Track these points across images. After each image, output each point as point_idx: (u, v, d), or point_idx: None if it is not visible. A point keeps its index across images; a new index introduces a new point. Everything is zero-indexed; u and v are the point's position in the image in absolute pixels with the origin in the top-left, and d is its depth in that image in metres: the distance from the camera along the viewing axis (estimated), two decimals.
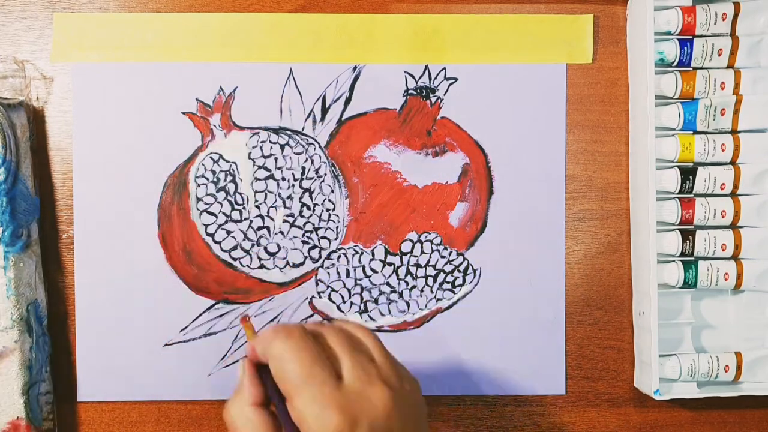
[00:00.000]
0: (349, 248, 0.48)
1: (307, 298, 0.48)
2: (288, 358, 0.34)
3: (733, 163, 0.48)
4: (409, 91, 0.49)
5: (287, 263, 0.48)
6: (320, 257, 0.48)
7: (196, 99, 0.48)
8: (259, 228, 0.48)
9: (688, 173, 0.47)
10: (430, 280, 0.48)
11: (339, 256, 0.48)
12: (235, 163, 0.48)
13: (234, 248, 0.48)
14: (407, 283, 0.48)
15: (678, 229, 0.48)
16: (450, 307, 0.48)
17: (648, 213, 0.46)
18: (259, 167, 0.48)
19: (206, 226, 0.48)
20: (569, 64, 0.49)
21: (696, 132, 0.48)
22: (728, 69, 0.47)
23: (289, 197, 0.48)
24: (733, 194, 0.48)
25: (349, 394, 0.33)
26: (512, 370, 0.48)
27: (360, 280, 0.48)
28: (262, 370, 0.36)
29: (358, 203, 0.48)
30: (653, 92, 0.46)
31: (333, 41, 0.48)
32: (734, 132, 0.48)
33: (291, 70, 0.48)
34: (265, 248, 0.48)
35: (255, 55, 0.48)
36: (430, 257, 0.48)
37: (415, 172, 0.49)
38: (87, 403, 0.47)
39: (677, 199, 0.47)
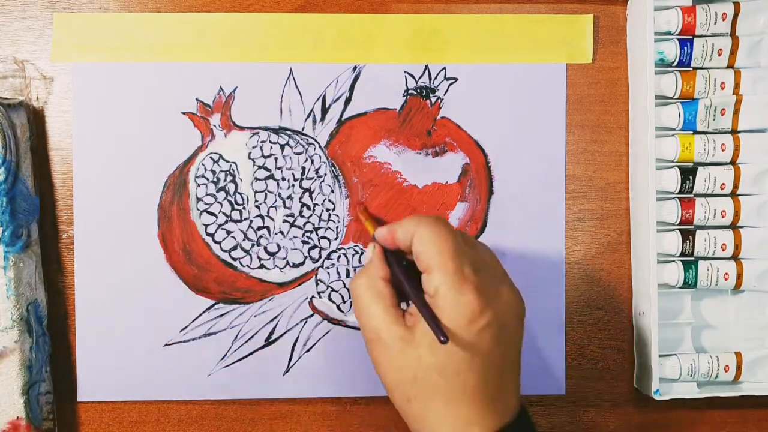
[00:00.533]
0: (349, 248, 0.48)
1: (307, 298, 0.48)
2: (437, 235, 0.37)
3: (733, 163, 0.48)
4: (409, 91, 0.49)
5: (287, 263, 0.48)
6: (320, 257, 0.48)
7: (196, 99, 0.48)
8: (259, 228, 0.48)
9: (688, 173, 0.47)
10: None
11: (339, 256, 0.48)
12: (235, 163, 0.48)
13: (234, 248, 0.48)
14: None
15: (678, 229, 0.48)
16: None
17: (648, 213, 0.46)
18: (259, 167, 0.48)
19: (206, 226, 0.48)
20: (569, 64, 0.49)
21: (696, 132, 0.48)
22: (728, 69, 0.47)
23: (289, 197, 0.48)
24: (733, 194, 0.48)
25: (484, 280, 0.36)
26: None
27: None
28: (388, 255, 0.40)
29: (358, 203, 0.48)
30: (653, 92, 0.46)
31: (333, 41, 0.48)
32: (734, 132, 0.48)
33: (291, 70, 0.48)
34: (265, 248, 0.48)
35: (255, 55, 0.48)
36: None
37: (415, 172, 0.49)
38: (87, 403, 0.47)
39: (677, 199, 0.47)
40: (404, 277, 0.38)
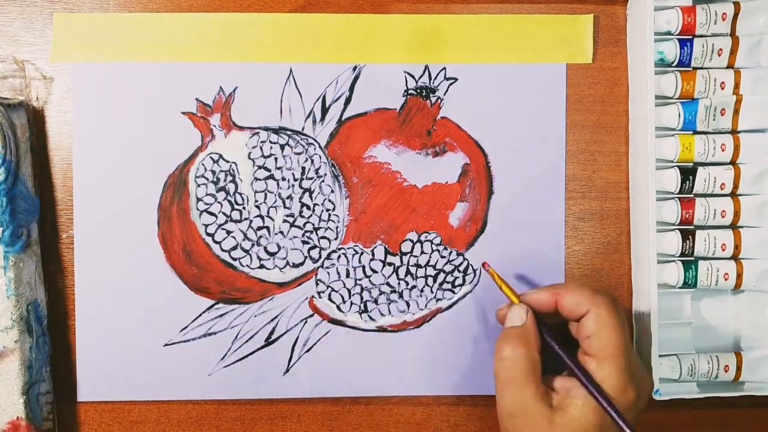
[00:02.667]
0: (349, 248, 0.48)
1: (307, 298, 0.48)
2: (615, 323, 0.38)
3: (733, 163, 0.48)
4: (409, 91, 0.49)
5: (287, 263, 0.48)
6: (320, 257, 0.48)
7: (196, 99, 0.48)
8: (259, 228, 0.48)
9: (688, 173, 0.47)
10: (430, 280, 0.48)
11: (339, 256, 0.48)
12: (235, 163, 0.48)
13: (234, 248, 0.48)
14: (407, 283, 0.48)
15: (678, 229, 0.48)
16: (450, 307, 0.48)
17: (648, 213, 0.46)
18: (259, 167, 0.48)
19: (206, 226, 0.48)
20: (569, 64, 0.49)
21: (696, 132, 0.48)
22: (728, 69, 0.47)
23: (289, 197, 0.48)
24: (733, 194, 0.48)
25: (638, 375, 0.39)
26: None
27: (360, 280, 0.48)
28: (538, 322, 0.41)
29: (358, 203, 0.48)
30: (653, 92, 0.46)
31: (333, 41, 0.48)
32: (734, 132, 0.48)
33: (291, 70, 0.48)
34: (265, 248, 0.48)
35: (255, 55, 0.48)
36: (430, 257, 0.48)
37: (415, 172, 0.49)
38: (87, 403, 0.47)
39: (677, 199, 0.47)
40: (565, 354, 0.39)
